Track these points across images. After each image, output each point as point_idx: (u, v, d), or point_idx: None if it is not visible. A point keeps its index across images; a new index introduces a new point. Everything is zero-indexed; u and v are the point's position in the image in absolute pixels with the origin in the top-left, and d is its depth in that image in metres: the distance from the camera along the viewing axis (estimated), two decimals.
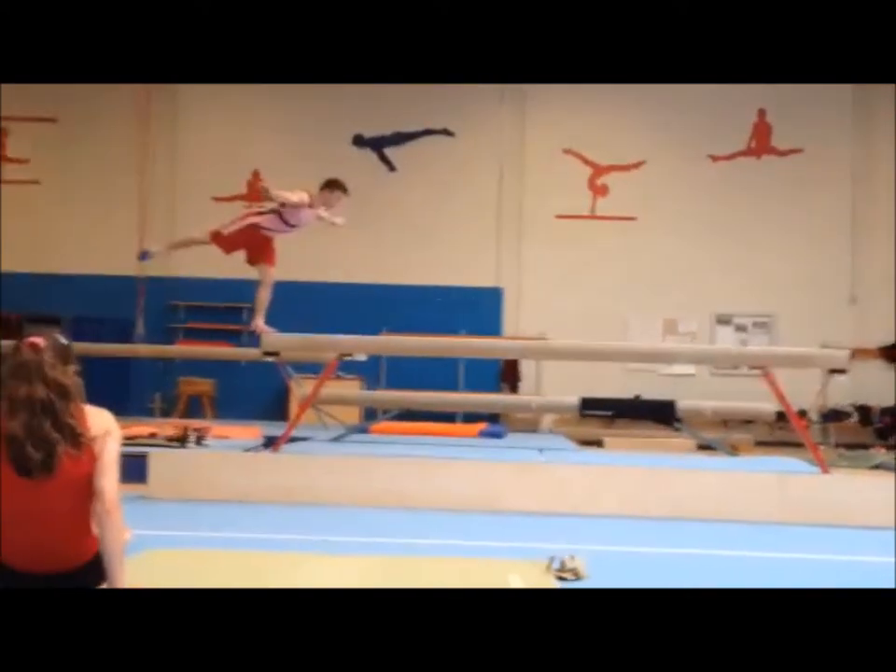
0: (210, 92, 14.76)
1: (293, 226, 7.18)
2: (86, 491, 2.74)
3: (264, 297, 7.30)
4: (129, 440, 6.41)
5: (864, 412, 14.09)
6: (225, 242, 7.21)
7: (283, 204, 7.06)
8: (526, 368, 14.22)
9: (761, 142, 14.58)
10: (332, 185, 7.24)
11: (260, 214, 7.19)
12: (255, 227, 7.13)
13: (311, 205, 7.09)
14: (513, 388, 14.22)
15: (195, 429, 7.97)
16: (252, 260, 7.33)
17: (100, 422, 2.82)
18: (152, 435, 7.77)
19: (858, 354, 12.31)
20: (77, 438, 2.70)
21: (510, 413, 13.30)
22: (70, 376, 2.79)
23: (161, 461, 6.41)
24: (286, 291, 13.33)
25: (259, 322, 7.29)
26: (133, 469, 5.80)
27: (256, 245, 7.21)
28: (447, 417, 12.67)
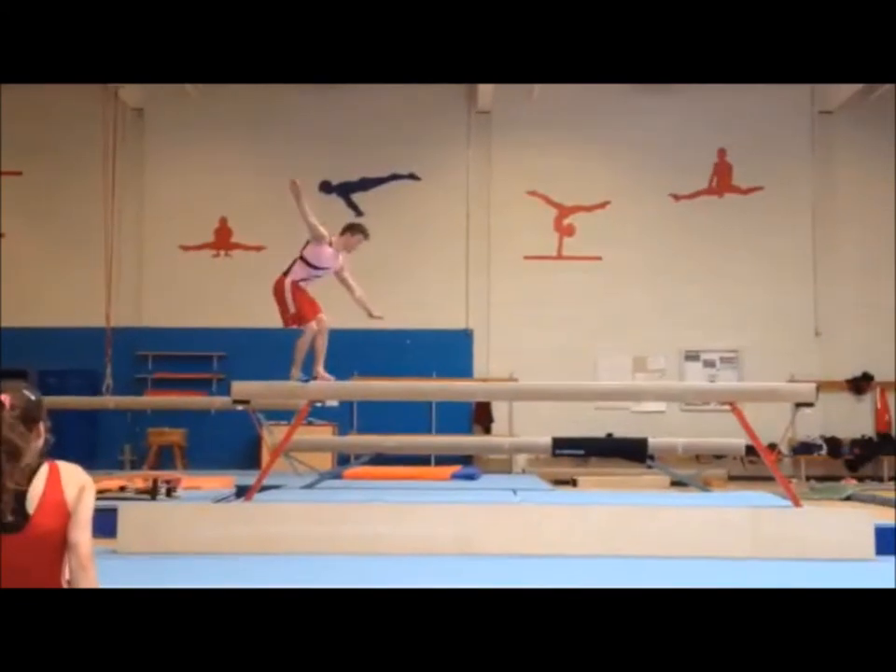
0: (176, 140, 14.82)
1: (318, 268, 7.10)
2: (59, 546, 2.72)
3: (322, 344, 7.21)
4: (98, 493, 6.32)
5: (834, 444, 14.22)
6: (300, 316, 7.02)
7: (305, 245, 7.06)
8: (499, 409, 14.24)
9: (722, 181, 14.83)
10: (353, 228, 7.25)
11: (288, 271, 7.11)
12: (296, 285, 7.03)
13: (330, 244, 7.08)
14: (486, 430, 14.23)
15: (165, 481, 7.89)
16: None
17: (74, 477, 2.81)
18: (122, 488, 7.67)
19: (825, 386, 12.45)
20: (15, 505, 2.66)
21: (483, 454, 13.30)
22: (27, 439, 2.76)
23: (130, 515, 6.32)
24: (258, 339, 13.37)
25: (320, 369, 7.21)
26: (103, 523, 5.69)
27: (308, 297, 7.16)
28: (421, 460, 12.62)
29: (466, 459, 13.18)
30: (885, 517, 7.51)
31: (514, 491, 8.70)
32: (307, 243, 7.10)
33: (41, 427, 2.82)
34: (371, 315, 7.44)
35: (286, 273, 7.08)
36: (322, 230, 7.01)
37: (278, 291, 7.05)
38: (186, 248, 14.75)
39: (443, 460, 12.70)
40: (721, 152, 14.81)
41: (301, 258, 7.07)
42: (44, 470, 2.77)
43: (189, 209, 14.69)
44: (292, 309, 6.99)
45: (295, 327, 7.13)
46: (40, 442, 2.82)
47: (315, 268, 7.08)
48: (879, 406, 14.40)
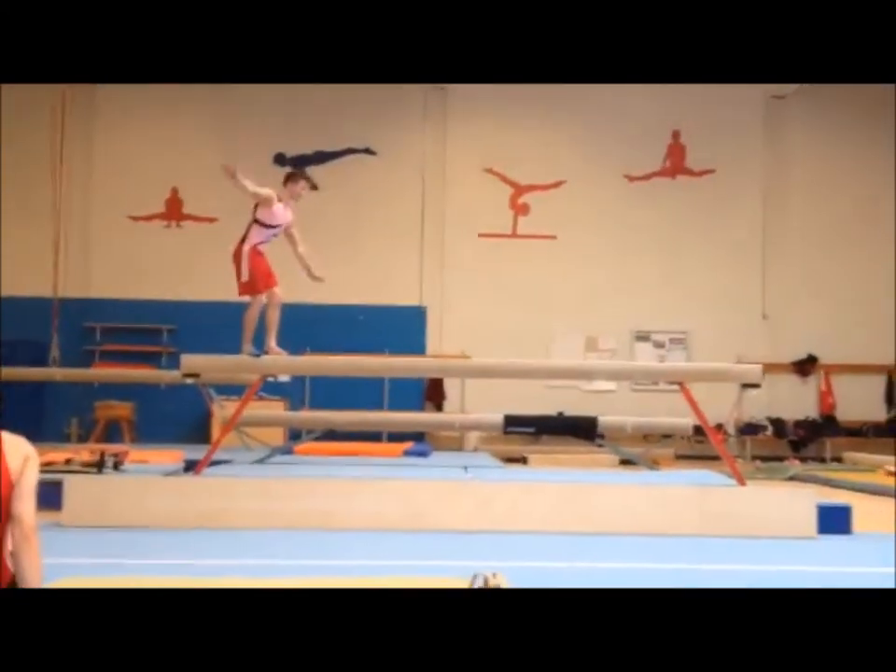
0: (126, 109, 14.54)
1: (274, 226, 6.96)
2: (1, 517, 2.67)
3: (274, 317, 7.11)
4: (44, 466, 6.22)
5: (779, 425, 14.50)
6: (251, 285, 6.90)
7: (254, 208, 6.93)
8: (451, 386, 14.27)
9: (675, 162, 14.95)
10: (293, 176, 7.10)
11: (245, 237, 6.98)
12: (255, 250, 6.90)
13: (279, 199, 6.97)
14: (438, 407, 14.26)
15: (112, 454, 7.79)
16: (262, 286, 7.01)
17: (18, 448, 2.77)
18: (68, 461, 7.56)
19: (771, 368, 12.67)
20: None
21: (434, 431, 13.33)
22: None
23: (76, 487, 6.24)
24: (210, 312, 13.23)
25: (272, 343, 7.11)
26: (48, 496, 5.62)
27: (265, 267, 7.03)
28: (373, 437, 12.62)
29: (418, 436, 13.21)
30: (827, 497, 7.68)
31: (465, 468, 8.73)
32: (256, 205, 7.00)
33: None
34: (311, 276, 7.33)
35: (243, 240, 6.98)
36: (266, 191, 6.89)
37: (236, 258, 6.96)
38: (136, 219, 14.52)
39: (395, 437, 12.71)
40: (676, 133, 14.92)
41: (256, 220, 6.97)
42: None
43: (140, 178, 14.45)
44: (245, 277, 6.90)
45: (245, 295, 7.04)
46: None
47: (271, 227, 6.98)
48: (823, 388, 14.69)
